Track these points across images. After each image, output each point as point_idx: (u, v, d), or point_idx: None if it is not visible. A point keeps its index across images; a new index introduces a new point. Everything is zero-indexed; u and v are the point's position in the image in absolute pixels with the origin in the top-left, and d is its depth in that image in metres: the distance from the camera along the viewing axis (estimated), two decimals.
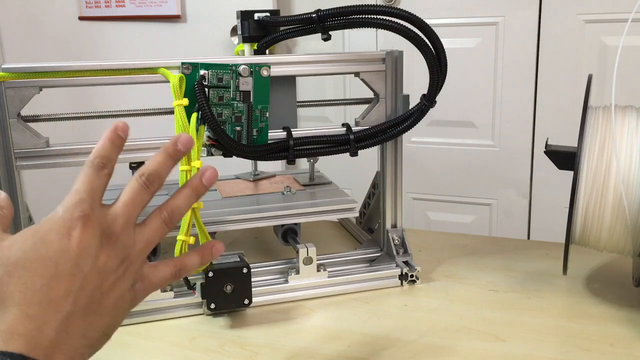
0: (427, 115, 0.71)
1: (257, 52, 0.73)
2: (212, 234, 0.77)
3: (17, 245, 0.38)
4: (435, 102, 0.69)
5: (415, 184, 1.70)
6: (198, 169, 0.58)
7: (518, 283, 0.72)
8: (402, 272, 0.72)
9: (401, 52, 0.72)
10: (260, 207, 0.75)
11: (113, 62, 0.62)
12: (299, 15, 0.68)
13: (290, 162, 0.68)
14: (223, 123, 0.65)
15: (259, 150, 0.66)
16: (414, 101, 0.71)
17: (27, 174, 0.67)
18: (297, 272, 0.70)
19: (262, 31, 0.72)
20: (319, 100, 0.77)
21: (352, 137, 0.69)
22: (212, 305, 0.64)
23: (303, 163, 0.93)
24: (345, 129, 0.70)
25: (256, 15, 0.72)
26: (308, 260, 0.70)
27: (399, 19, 0.65)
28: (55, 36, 1.78)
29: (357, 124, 0.72)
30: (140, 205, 0.43)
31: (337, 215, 0.83)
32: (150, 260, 0.68)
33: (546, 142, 0.67)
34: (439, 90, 0.68)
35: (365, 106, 0.73)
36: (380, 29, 0.66)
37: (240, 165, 0.81)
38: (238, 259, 0.65)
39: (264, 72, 0.65)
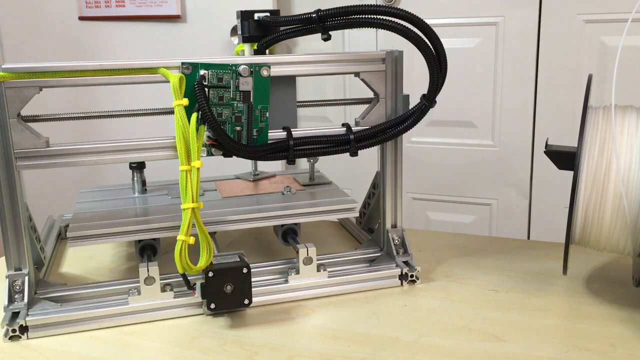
0: (427, 115, 0.71)
1: (257, 52, 0.74)
2: (212, 234, 0.77)
3: None
4: (435, 102, 0.69)
5: (415, 184, 1.70)
6: (198, 169, 0.58)
7: (518, 283, 0.72)
8: (402, 272, 0.72)
9: (401, 52, 0.72)
10: (260, 207, 0.75)
11: (113, 62, 0.62)
12: (299, 15, 0.68)
13: (290, 162, 0.68)
14: (223, 123, 0.65)
15: (259, 150, 0.66)
16: (414, 101, 0.71)
17: (27, 174, 0.67)
18: (297, 272, 0.70)
19: (262, 31, 0.72)
20: (319, 100, 0.77)
21: (352, 137, 0.69)
22: (212, 305, 0.64)
23: (303, 163, 0.93)
24: (345, 129, 0.70)
25: (256, 15, 0.72)
26: (308, 260, 0.70)
27: (399, 19, 0.65)
28: (55, 36, 1.78)
29: (357, 124, 0.72)
30: None
31: (337, 215, 0.83)
32: (150, 260, 0.68)
33: (546, 142, 0.67)
34: (439, 90, 0.68)
35: (365, 106, 0.73)
36: (380, 29, 0.66)
37: (240, 165, 0.81)
38: (238, 259, 0.65)
39: (264, 72, 0.65)
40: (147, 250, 0.71)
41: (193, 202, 0.58)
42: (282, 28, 0.72)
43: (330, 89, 1.77)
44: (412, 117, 0.70)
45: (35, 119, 0.64)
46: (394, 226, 0.76)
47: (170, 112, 0.63)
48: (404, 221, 0.77)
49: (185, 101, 0.60)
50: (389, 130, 0.70)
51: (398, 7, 0.65)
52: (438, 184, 1.70)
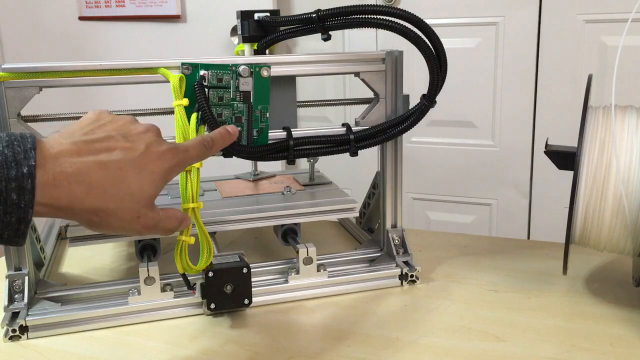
0: (427, 115, 0.71)
1: (257, 52, 0.73)
2: (212, 234, 0.77)
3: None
4: (435, 102, 0.69)
5: (415, 184, 1.70)
6: (198, 169, 0.58)
7: (518, 283, 0.72)
8: (402, 272, 0.72)
9: (401, 52, 0.72)
10: (260, 207, 0.75)
11: (113, 62, 0.62)
12: (299, 15, 0.68)
13: (290, 162, 0.68)
14: (223, 123, 0.64)
15: (259, 150, 0.66)
16: (414, 101, 0.71)
17: None
18: (297, 272, 0.70)
19: (262, 31, 0.72)
20: (319, 100, 0.77)
21: (352, 137, 0.69)
22: (212, 305, 0.64)
23: (303, 163, 0.93)
24: (345, 129, 0.70)
25: (256, 15, 0.72)
26: (308, 260, 0.70)
27: (399, 19, 0.65)
28: (55, 36, 1.78)
29: (357, 124, 0.72)
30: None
31: (337, 215, 0.83)
32: (150, 260, 0.68)
33: (546, 142, 0.67)
34: (439, 90, 0.68)
35: (365, 106, 0.73)
36: (380, 29, 0.66)
37: (240, 165, 0.81)
38: (238, 259, 0.65)
39: (264, 73, 0.65)
40: (147, 250, 0.71)
41: (193, 202, 0.58)
42: (282, 28, 0.72)
43: (330, 89, 1.77)
44: (412, 117, 0.70)
45: (35, 119, 0.64)
46: (394, 226, 0.76)
47: (170, 112, 0.63)
48: (404, 221, 0.77)
49: (185, 101, 0.60)
50: (389, 130, 0.70)
51: (398, 7, 0.65)
52: (438, 184, 1.70)
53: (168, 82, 0.61)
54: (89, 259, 0.82)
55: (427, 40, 0.65)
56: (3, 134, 0.40)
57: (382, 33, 1.62)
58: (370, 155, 0.80)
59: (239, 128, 0.65)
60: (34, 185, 0.38)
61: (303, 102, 0.75)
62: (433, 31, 0.65)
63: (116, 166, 0.43)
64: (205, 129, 0.62)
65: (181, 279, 0.62)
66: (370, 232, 0.84)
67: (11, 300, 0.64)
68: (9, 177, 0.37)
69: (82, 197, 0.41)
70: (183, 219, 0.50)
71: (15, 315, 0.63)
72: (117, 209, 0.43)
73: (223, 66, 0.63)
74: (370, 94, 0.73)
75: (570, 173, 0.60)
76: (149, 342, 0.61)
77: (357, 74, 0.71)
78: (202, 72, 0.63)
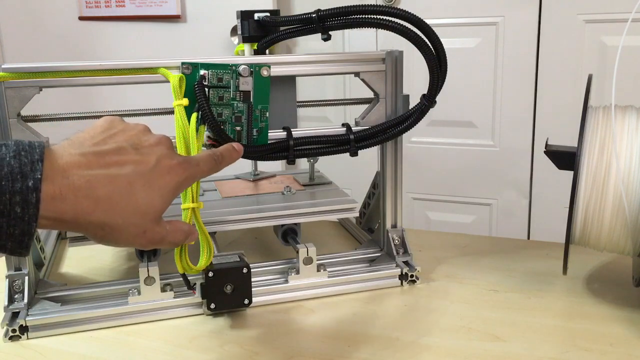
0: (427, 115, 0.71)
1: (257, 52, 0.73)
2: (212, 234, 0.77)
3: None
4: (435, 102, 0.69)
5: (415, 184, 1.70)
6: None
7: (518, 283, 0.72)
8: (402, 272, 0.72)
9: (401, 52, 0.72)
10: (260, 207, 0.75)
11: (113, 62, 0.62)
12: (299, 15, 0.68)
13: (290, 162, 0.68)
14: (223, 123, 0.64)
15: (259, 150, 0.66)
16: (414, 101, 0.71)
17: None
18: (297, 272, 0.70)
19: (262, 31, 0.72)
20: (319, 100, 0.77)
21: (352, 137, 0.69)
22: (212, 305, 0.64)
23: (303, 163, 0.93)
24: (345, 129, 0.70)
25: (256, 15, 0.72)
26: (308, 260, 0.70)
27: (399, 19, 0.65)
28: (55, 36, 1.78)
29: (357, 124, 0.72)
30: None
31: (337, 215, 0.83)
32: (150, 260, 0.68)
33: (546, 142, 0.67)
34: (439, 90, 0.68)
35: (365, 106, 0.73)
36: (380, 29, 0.66)
37: (241, 165, 0.81)
38: (238, 259, 0.65)
39: (264, 72, 0.65)
40: (147, 250, 0.71)
41: (193, 202, 0.58)
42: (282, 28, 0.72)
43: (330, 89, 1.77)
44: (412, 117, 0.70)
45: (35, 119, 0.64)
46: (394, 226, 0.76)
47: (170, 112, 0.63)
48: (404, 221, 0.77)
49: (185, 101, 0.60)
50: (389, 130, 0.70)
51: (398, 7, 0.65)
52: (438, 184, 1.70)
53: (168, 82, 0.61)
54: (89, 259, 0.82)
55: (427, 40, 0.65)
56: (11, 142, 0.39)
57: (382, 33, 1.62)
58: (370, 155, 0.80)
59: (239, 127, 0.65)
60: (38, 199, 0.37)
61: (303, 102, 0.75)
62: (433, 31, 0.65)
63: (125, 180, 0.42)
64: (206, 129, 0.62)
65: (181, 279, 0.62)
66: (370, 232, 0.84)
67: (11, 300, 0.64)
68: (13, 190, 0.37)
69: (89, 212, 0.40)
70: (190, 232, 0.49)
71: (15, 315, 0.63)
72: (124, 224, 0.42)
73: (223, 66, 0.63)
74: (370, 94, 0.73)
75: (570, 173, 0.60)
76: (149, 342, 0.61)
77: (357, 74, 0.71)
78: (202, 72, 0.62)
